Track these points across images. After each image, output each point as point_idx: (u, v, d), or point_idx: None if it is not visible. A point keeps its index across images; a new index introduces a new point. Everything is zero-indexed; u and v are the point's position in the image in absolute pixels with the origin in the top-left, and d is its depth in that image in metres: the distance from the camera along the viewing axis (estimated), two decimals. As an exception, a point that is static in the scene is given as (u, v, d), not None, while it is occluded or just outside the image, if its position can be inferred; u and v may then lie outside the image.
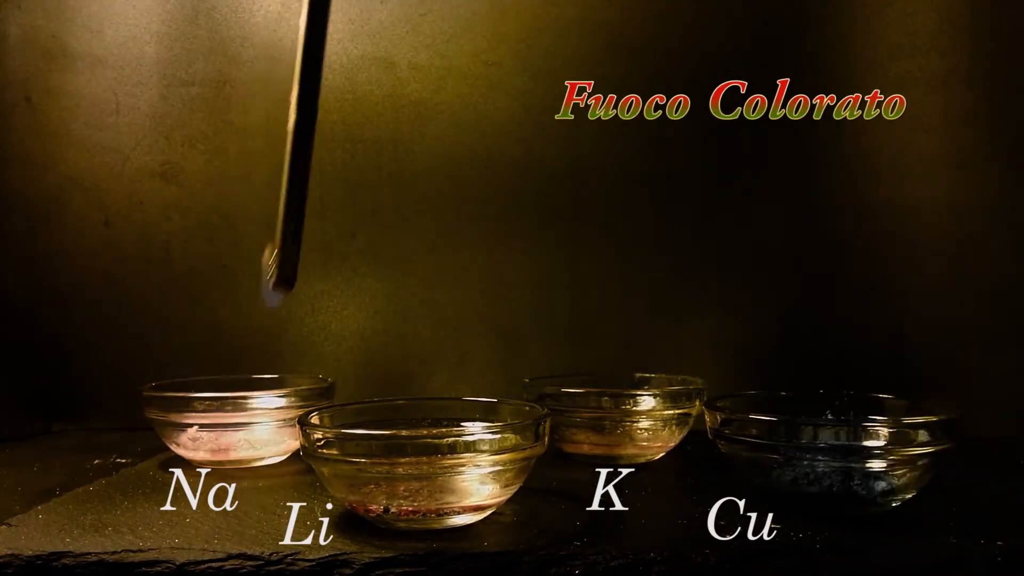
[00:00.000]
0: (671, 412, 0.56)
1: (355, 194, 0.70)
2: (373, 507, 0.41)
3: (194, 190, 0.71)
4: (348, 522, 0.43)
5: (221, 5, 0.70)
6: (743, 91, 0.67)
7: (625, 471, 0.54)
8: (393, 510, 0.41)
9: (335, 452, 0.43)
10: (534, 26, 0.69)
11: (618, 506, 0.46)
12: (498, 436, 0.43)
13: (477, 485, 0.42)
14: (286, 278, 0.44)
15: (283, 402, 0.56)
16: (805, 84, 0.66)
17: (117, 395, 0.69)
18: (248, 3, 0.70)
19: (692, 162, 0.69)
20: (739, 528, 0.42)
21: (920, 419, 0.45)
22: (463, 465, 0.41)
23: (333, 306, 0.71)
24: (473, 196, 0.70)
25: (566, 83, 0.68)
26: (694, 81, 0.68)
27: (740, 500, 0.46)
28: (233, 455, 0.56)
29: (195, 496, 0.49)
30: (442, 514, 0.41)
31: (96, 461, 0.59)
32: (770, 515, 0.43)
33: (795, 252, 0.68)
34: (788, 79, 0.66)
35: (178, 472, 0.55)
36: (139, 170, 0.71)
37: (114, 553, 0.39)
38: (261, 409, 0.56)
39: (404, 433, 0.46)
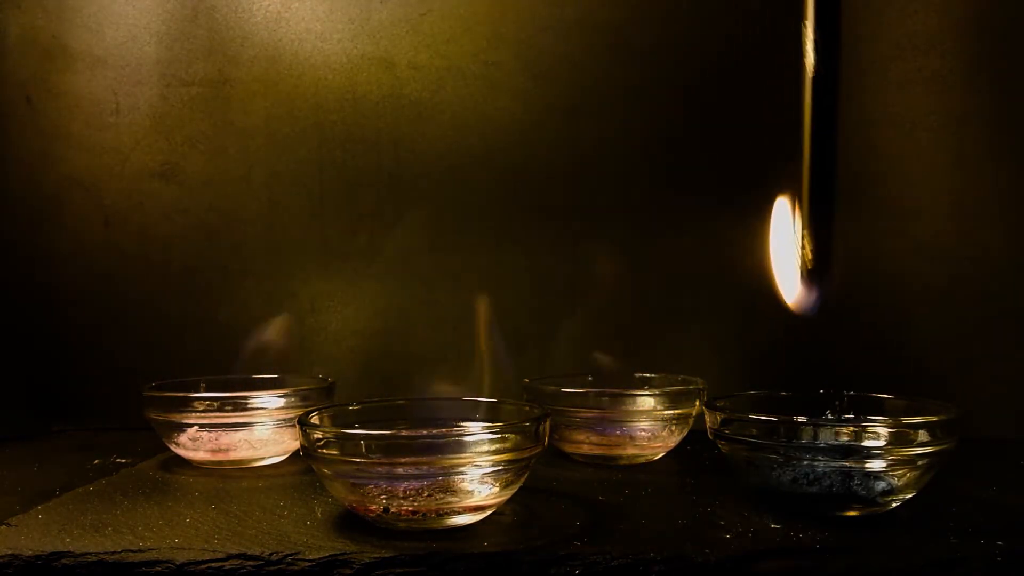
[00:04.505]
0: (671, 412, 0.56)
1: (355, 194, 0.70)
2: (373, 507, 0.41)
3: (194, 190, 0.71)
4: (348, 522, 0.43)
5: (221, 5, 0.70)
6: (744, 91, 0.67)
7: (625, 471, 0.54)
8: (393, 510, 0.41)
9: (335, 452, 0.43)
10: (534, 26, 0.69)
11: (618, 506, 0.46)
12: (498, 436, 0.43)
13: (477, 485, 0.42)
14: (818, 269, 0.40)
15: (283, 402, 0.56)
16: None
17: (117, 395, 0.69)
18: (248, 3, 0.70)
19: (693, 162, 0.69)
20: (739, 528, 0.42)
21: (920, 419, 0.45)
22: (463, 465, 0.41)
23: (333, 306, 0.71)
24: (473, 196, 0.70)
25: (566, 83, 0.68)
26: (694, 81, 0.68)
27: (740, 500, 0.46)
28: (233, 455, 0.56)
29: (195, 496, 0.49)
30: (442, 514, 0.41)
31: (96, 461, 0.59)
32: (770, 515, 0.43)
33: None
34: (789, 78, 0.66)
35: (178, 472, 0.55)
36: (139, 170, 0.71)
37: (114, 553, 0.39)
38: (261, 409, 0.56)
39: (404, 433, 0.46)
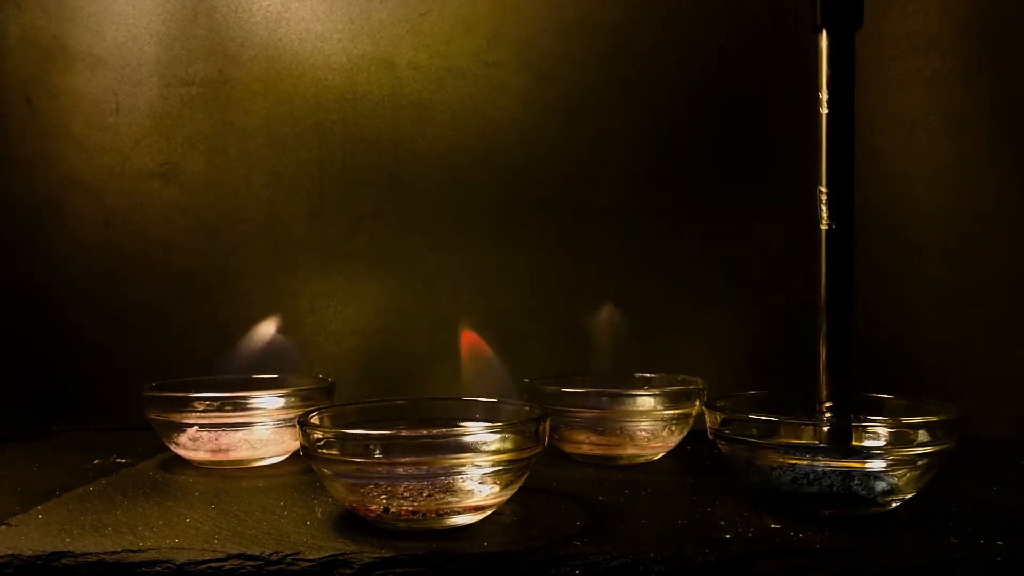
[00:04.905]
0: (671, 412, 0.56)
1: (355, 194, 0.70)
2: (373, 507, 0.41)
3: (194, 190, 0.71)
4: (348, 522, 0.43)
5: (221, 5, 0.70)
6: (744, 91, 0.67)
7: (625, 471, 0.54)
8: (393, 510, 0.41)
9: (335, 452, 0.43)
10: (534, 26, 0.69)
11: (618, 506, 0.46)
12: (498, 436, 0.43)
13: (477, 485, 0.42)
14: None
15: (283, 402, 0.56)
16: (805, 84, 0.66)
17: (117, 395, 0.69)
18: (248, 3, 0.70)
19: (693, 163, 0.69)
20: (739, 528, 0.42)
21: (920, 419, 0.45)
22: (463, 465, 0.41)
23: (333, 306, 0.71)
24: (473, 196, 0.70)
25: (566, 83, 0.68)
26: (695, 82, 0.68)
27: (740, 500, 0.46)
28: (233, 455, 0.56)
29: (195, 496, 0.49)
30: (442, 514, 0.41)
31: (96, 461, 0.59)
32: (770, 515, 0.43)
33: (795, 252, 0.68)
34: (789, 79, 0.66)
35: (178, 472, 0.55)
36: (139, 170, 0.71)
37: (114, 553, 0.39)
38: (261, 409, 0.56)
39: (404, 433, 0.46)
